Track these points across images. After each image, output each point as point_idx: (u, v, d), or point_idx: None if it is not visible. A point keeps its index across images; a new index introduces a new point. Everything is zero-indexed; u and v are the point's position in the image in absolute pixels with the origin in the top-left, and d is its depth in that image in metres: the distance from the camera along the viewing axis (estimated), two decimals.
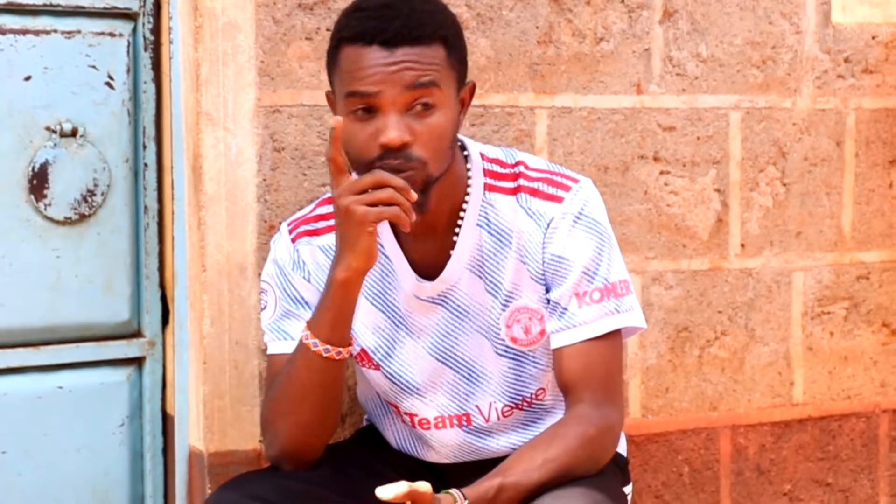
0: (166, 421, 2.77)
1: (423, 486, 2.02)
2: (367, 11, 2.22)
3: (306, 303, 2.37)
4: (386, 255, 2.36)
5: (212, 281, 2.63)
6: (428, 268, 2.34)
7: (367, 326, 2.39)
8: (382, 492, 1.98)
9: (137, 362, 2.76)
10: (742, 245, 3.12)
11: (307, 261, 2.38)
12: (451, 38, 2.23)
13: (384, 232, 2.34)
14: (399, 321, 2.38)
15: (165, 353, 2.76)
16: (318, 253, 2.37)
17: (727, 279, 3.11)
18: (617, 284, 2.32)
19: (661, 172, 3.02)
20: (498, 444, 2.44)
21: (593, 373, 2.29)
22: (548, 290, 2.33)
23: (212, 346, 2.64)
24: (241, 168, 2.63)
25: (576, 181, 2.35)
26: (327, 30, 2.65)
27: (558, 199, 2.32)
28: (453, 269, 2.33)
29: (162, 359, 2.76)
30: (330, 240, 2.34)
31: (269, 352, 2.41)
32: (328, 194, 2.38)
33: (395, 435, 2.49)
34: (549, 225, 2.31)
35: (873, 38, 3.24)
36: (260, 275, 2.63)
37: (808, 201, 3.19)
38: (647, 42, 2.99)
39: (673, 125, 3.02)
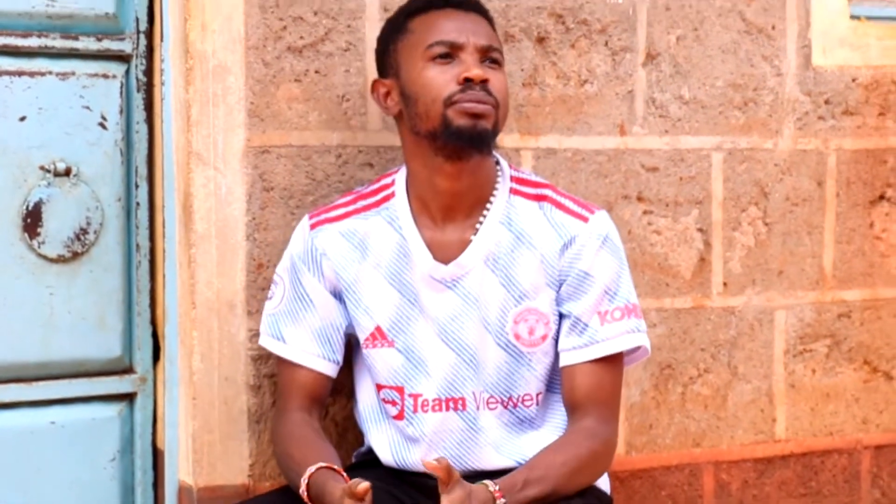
0: (157, 456, 2.80)
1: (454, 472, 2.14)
2: None
3: (311, 301, 2.51)
4: (403, 237, 2.49)
5: (202, 318, 2.67)
6: (444, 253, 2.48)
7: (382, 305, 2.50)
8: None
9: (129, 398, 2.79)
10: (724, 284, 3.16)
11: (324, 246, 2.51)
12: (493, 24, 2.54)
13: (402, 215, 2.49)
14: (413, 299, 2.49)
15: (156, 389, 2.80)
16: (336, 236, 2.51)
17: (710, 317, 3.15)
18: (636, 307, 2.50)
19: (645, 212, 3.06)
20: (483, 447, 2.50)
21: (604, 391, 2.44)
22: (560, 303, 2.47)
23: (201, 382, 2.68)
24: (230, 207, 2.67)
25: (599, 209, 2.53)
26: (316, 72, 2.71)
27: (584, 218, 2.48)
28: (469, 258, 2.46)
29: (153, 394, 2.80)
30: (349, 225, 2.51)
31: (260, 341, 2.57)
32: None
33: (389, 443, 2.55)
34: (573, 239, 2.46)
35: (853, 80, 3.29)
36: (249, 312, 2.68)
37: (789, 241, 3.23)
38: (631, 84, 3.04)
39: (656, 166, 3.07)
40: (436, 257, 2.48)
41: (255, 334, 2.66)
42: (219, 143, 2.66)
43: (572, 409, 2.46)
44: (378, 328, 2.51)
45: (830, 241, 3.28)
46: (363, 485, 2.13)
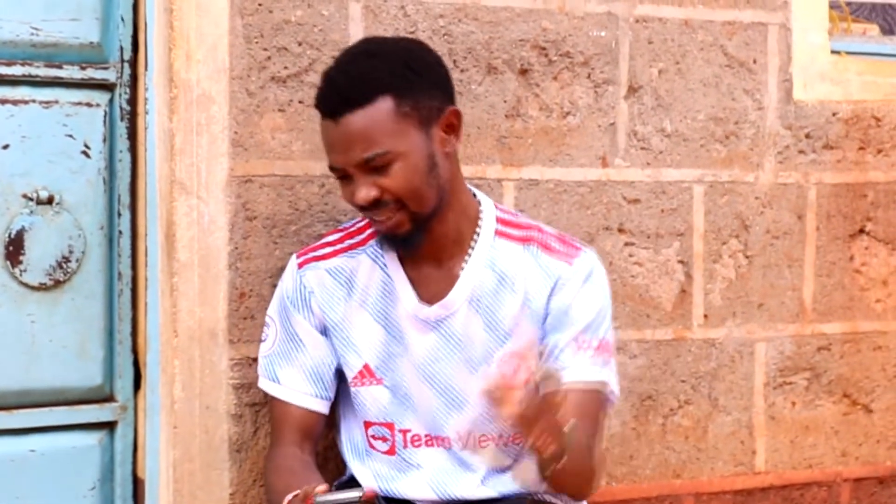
0: (137, 485, 2.79)
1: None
2: (321, 83, 2.41)
3: (302, 342, 2.52)
4: (388, 275, 2.48)
5: (183, 346, 2.67)
6: (430, 295, 2.46)
7: (370, 342, 2.50)
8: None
9: (109, 426, 2.78)
10: (705, 316, 3.17)
11: (312, 284, 2.51)
12: (398, 85, 2.32)
13: (387, 252, 2.49)
14: (399, 337, 2.48)
15: (137, 418, 2.79)
16: (325, 276, 2.51)
17: (690, 349, 3.16)
18: (611, 345, 2.49)
19: (626, 244, 3.08)
20: (473, 485, 2.49)
21: (587, 419, 2.36)
22: (543, 336, 2.45)
23: (182, 411, 2.67)
24: (213, 236, 2.68)
25: (586, 247, 2.52)
26: (300, 102, 2.72)
27: (569, 259, 2.47)
28: (454, 299, 2.45)
29: (133, 423, 2.79)
30: (336, 263, 2.51)
31: (259, 384, 2.58)
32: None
33: (375, 476, 2.55)
34: (558, 280, 2.44)
35: (834, 114, 3.31)
36: (231, 341, 2.68)
37: (770, 273, 3.25)
38: (613, 117, 3.06)
39: (637, 198, 3.08)
40: (421, 297, 2.47)
41: (237, 363, 2.66)
42: (202, 172, 2.66)
43: None
44: (366, 366, 2.51)
45: (811, 274, 3.30)
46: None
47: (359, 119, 2.30)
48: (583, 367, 2.42)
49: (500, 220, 2.50)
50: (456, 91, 2.84)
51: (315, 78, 2.73)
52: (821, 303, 3.32)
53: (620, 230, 3.07)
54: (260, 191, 2.71)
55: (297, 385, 2.53)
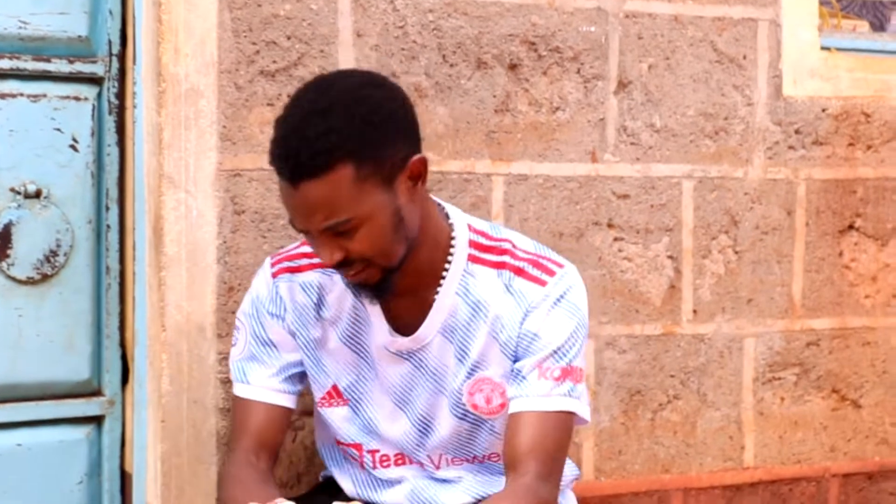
0: (124, 479, 2.79)
1: None
2: (275, 140, 2.22)
3: (274, 345, 2.44)
4: (362, 303, 2.39)
5: (171, 341, 2.67)
6: (403, 324, 2.38)
7: (340, 365, 2.43)
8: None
9: (97, 421, 2.78)
10: (694, 311, 3.18)
11: (285, 297, 2.43)
12: (358, 147, 2.16)
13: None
14: (370, 363, 2.42)
15: (125, 412, 2.79)
16: (298, 290, 2.43)
17: (679, 344, 3.16)
18: (577, 370, 2.34)
19: (615, 239, 3.08)
20: (451, 494, 2.47)
21: (545, 447, 2.29)
22: (515, 362, 2.36)
23: (170, 405, 2.67)
24: (201, 230, 2.68)
25: (561, 266, 2.38)
26: (288, 96, 2.70)
27: (542, 283, 2.35)
28: (427, 330, 2.37)
29: (121, 417, 2.79)
30: (310, 277, 2.41)
31: (233, 390, 2.48)
32: None
33: (353, 483, 2.53)
34: (529, 305, 2.34)
35: (823, 110, 3.32)
36: (219, 335, 2.68)
37: (759, 269, 3.25)
38: (602, 112, 3.06)
39: (627, 193, 3.08)
40: (394, 327, 2.38)
41: (225, 357, 2.66)
42: (190, 167, 2.66)
43: (510, 462, 2.30)
44: (335, 387, 2.45)
45: (800, 269, 3.30)
46: None
47: (318, 188, 2.15)
48: (542, 395, 2.31)
49: (472, 244, 2.38)
50: (445, 86, 2.85)
51: (304, 72, 2.73)
52: (810, 298, 3.32)
53: (610, 225, 3.07)
54: (248, 185, 2.70)
55: (265, 382, 2.44)
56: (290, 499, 2.53)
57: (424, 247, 2.31)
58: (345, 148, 2.15)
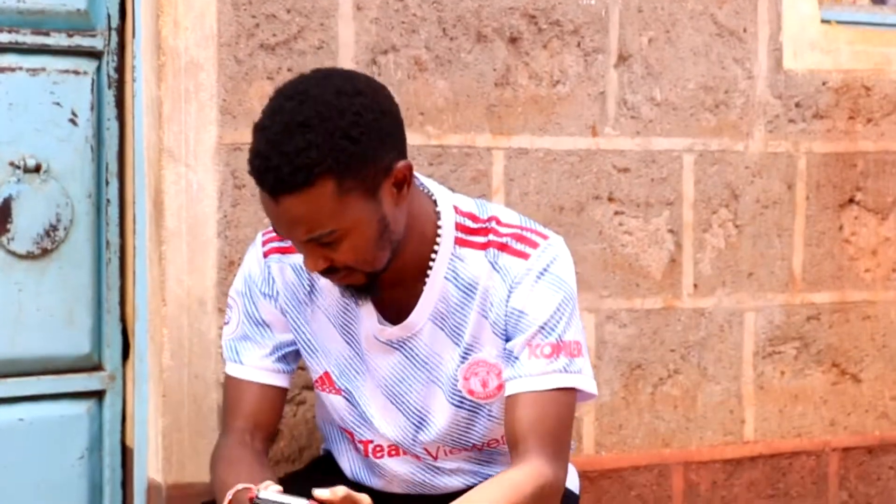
0: (125, 453, 2.79)
1: (365, 499, 2.01)
2: (254, 151, 2.16)
3: (267, 325, 2.40)
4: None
5: (172, 315, 2.66)
6: (392, 312, 2.34)
7: (331, 350, 2.39)
8: (320, 492, 1.96)
9: (98, 395, 2.78)
10: (695, 285, 3.17)
11: (276, 278, 2.38)
12: (339, 162, 2.10)
13: None
14: (360, 353, 2.38)
15: (125, 387, 2.79)
16: (289, 271, 2.38)
17: (680, 318, 3.16)
18: (570, 344, 2.29)
19: (616, 213, 3.07)
20: (449, 480, 2.45)
21: (546, 426, 2.25)
22: (507, 342, 2.32)
23: (171, 380, 2.67)
24: (201, 204, 2.67)
25: (545, 238, 2.33)
26: (288, 70, 2.71)
27: (525, 256, 2.30)
28: (417, 318, 2.33)
29: (122, 392, 2.79)
30: (300, 258, 2.30)
31: (225, 369, 2.44)
32: None
33: (349, 462, 2.51)
34: (513, 280, 2.29)
35: (824, 83, 3.31)
36: (220, 309, 2.67)
37: (759, 243, 3.25)
38: (603, 85, 3.05)
39: (627, 167, 3.08)
40: (383, 315, 2.34)
41: None
42: (190, 140, 2.65)
43: (513, 442, 2.25)
44: (326, 374, 2.41)
45: (800, 243, 3.30)
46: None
47: (299, 203, 2.10)
48: (536, 374, 2.27)
49: (459, 227, 2.32)
50: (445, 59, 2.85)
51: (304, 45, 2.72)
52: (810, 272, 3.32)
53: (610, 199, 3.06)
54: None
55: (259, 363, 2.40)
56: (287, 475, 2.56)
57: (411, 242, 2.27)
58: (325, 164, 2.08)
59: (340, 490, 1.98)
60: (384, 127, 2.16)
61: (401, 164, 2.18)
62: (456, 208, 2.34)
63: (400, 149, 2.21)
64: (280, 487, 2.04)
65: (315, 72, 2.24)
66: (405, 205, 2.23)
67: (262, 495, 1.97)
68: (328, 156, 2.09)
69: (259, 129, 2.16)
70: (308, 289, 2.38)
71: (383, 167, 2.16)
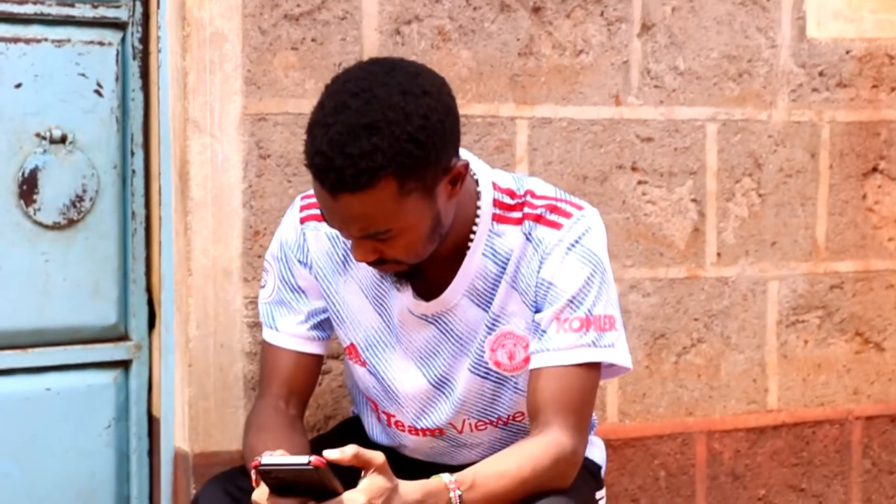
0: (152, 423, 2.81)
1: (378, 457, 2.00)
2: (315, 149, 2.11)
3: (302, 291, 2.41)
4: None
5: (198, 285, 2.67)
6: (428, 287, 2.33)
7: (361, 322, 2.40)
8: (329, 452, 1.96)
9: (124, 365, 2.80)
10: (718, 254, 3.17)
11: (312, 245, 2.39)
12: (401, 168, 2.08)
13: None
14: (392, 327, 2.38)
15: (152, 356, 2.80)
16: (324, 239, 2.38)
17: (703, 287, 3.16)
18: (601, 318, 2.28)
19: (639, 182, 3.07)
20: (469, 454, 2.45)
21: (569, 398, 2.25)
22: (536, 313, 2.31)
23: (197, 349, 2.68)
24: (227, 174, 2.68)
25: (580, 208, 2.32)
26: (313, 40, 2.71)
27: (558, 226, 2.29)
28: (452, 294, 2.32)
29: (148, 362, 2.81)
30: None
31: (262, 334, 2.45)
32: None
33: (371, 427, 2.53)
34: (545, 250, 2.28)
35: (847, 52, 3.30)
36: (245, 279, 2.68)
37: (783, 212, 3.25)
38: (626, 55, 3.05)
39: (651, 136, 3.08)
40: (418, 290, 2.32)
41: (251, 301, 2.67)
42: (215, 111, 2.66)
43: (534, 414, 2.25)
44: (353, 345, 2.42)
45: (823, 212, 3.30)
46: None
47: (358, 202, 2.08)
48: (564, 348, 2.26)
49: (497, 204, 2.31)
50: (469, 29, 2.84)
51: (328, 16, 2.72)
52: (833, 241, 3.31)
53: (633, 168, 3.06)
54: (273, 129, 2.70)
55: (294, 329, 2.41)
56: (316, 437, 2.57)
57: (454, 228, 2.26)
58: (390, 167, 2.07)
59: (349, 449, 1.97)
60: (447, 127, 2.15)
61: (458, 163, 2.18)
62: (494, 185, 2.33)
63: (457, 146, 2.20)
64: (284, 452, 2.04)
65: (376, 64, 2.20)
66: (456, 198, 2.23)
67: (264, 461, 1.95)
68: (393, 160, 2.07)
69: (319, 124, 2.12)
70: (343, 258, 2.38)
71: (443, 167, 2.15)
